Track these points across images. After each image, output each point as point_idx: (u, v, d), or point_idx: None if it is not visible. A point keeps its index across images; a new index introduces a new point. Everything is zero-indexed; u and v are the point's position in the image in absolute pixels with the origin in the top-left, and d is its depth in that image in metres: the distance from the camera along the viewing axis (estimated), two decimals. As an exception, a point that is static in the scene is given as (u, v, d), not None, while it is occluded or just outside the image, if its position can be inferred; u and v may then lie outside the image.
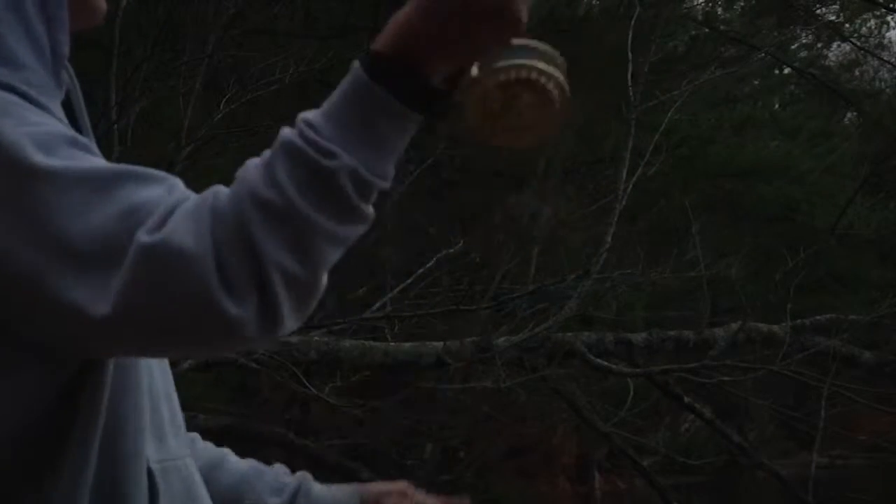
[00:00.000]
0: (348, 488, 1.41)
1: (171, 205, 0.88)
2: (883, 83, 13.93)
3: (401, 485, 1.46)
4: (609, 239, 5.57)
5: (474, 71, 0.94)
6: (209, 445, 1.34)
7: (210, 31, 6.08)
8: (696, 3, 11.14)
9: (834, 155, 12.22)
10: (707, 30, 10.51)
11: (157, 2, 6.28)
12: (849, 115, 14.21)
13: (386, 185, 0.92)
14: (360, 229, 0.92)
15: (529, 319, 5.60)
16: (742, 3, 11.98)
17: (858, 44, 12.26)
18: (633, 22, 6.05)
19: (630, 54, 6.03)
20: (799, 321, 6.23)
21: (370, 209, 0.92)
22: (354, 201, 0.89)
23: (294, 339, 4.91)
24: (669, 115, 6.54)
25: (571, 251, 7.19)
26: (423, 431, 8.00)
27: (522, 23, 0.92)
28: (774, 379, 6.24)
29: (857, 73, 14.40)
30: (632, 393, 6.11)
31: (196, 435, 1.32)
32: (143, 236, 0.86)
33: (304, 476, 1.35)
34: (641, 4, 6.47)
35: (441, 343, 5.20)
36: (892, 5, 10.40)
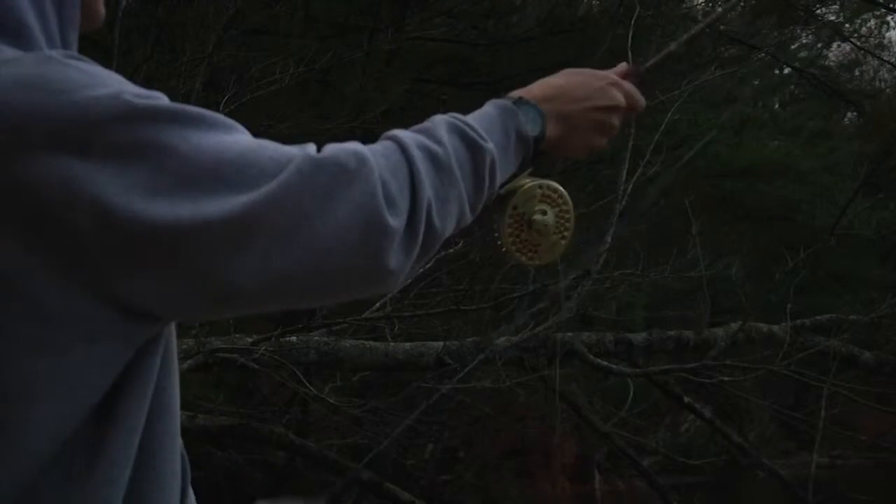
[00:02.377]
0: None
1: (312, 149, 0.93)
2: (883, 83, 13.94)
3: None
4: (609, 239, 5.56)
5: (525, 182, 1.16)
6: None
7: (210, 31, 6.08)
8: (696, 3, 11.15)
9: (834, 155, 12.23)
10: (707, 30, 10.50)
11: (157, 2, 6.28)
12: (849, 115, 14.22)
13: (495, 190, 1.07)
14: (478, 207, 1.04)
15: (529, 319, 5.60)
16: (742, 3, 11.98)
17: (858, 44, 12.27)
18: (633, 22, 6.05)
19: (630, 54, 6.03)
20: (799, 321, 6.23)
21: (489, 196, 1.05)
22: (486, 183, 1.04)
23: (294, 339, 4.91)
24: (669, 115, 6.53)
25: (571, 251, 7.19)
26: (423, 431, 7.99)
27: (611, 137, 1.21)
28: (774, 379, 6.24)
29: (857, 73, 14.42)
30: (632, 393, 6.11)
31: None
32: (309, 151, 0.91)
33: None
34: (641, 4, 6.47)
35: (441, 343, 5.20)
36: (892, 5, 10.40)
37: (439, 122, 1.03)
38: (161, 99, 0.89)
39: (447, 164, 0.99)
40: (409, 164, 0.95)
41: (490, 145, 1.03)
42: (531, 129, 1.11)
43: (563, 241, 1.20)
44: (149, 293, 0.87)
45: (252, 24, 6.85)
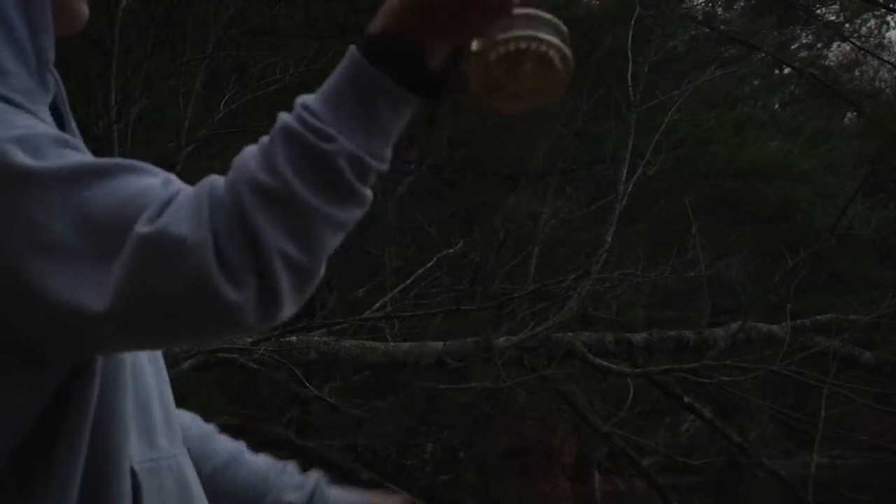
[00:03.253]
0: (357, 494, 1.40)
1: (167, 195, 0.88)
2: (883, 83, 13.94)
3: (404, 498, 1.47)
4: (609, 239, 5.57)
5: (475, 45, 0.94)
6: (225, 440, 1.34)
7: (210, 31, 6.07)
8: (696, 3, 11.15)
9: (834, 155, 12.22)
10: (707, 30, 10.51)
11: (157, 2, 6.28)
12: (849, 115, 14.22)
13: (384, 167, 0.91)
14: (359, 213, 0.91)
15: (529, 319, 5.60)
16: (742, 3, 11.99)
17: (858, 44, 12.26)
18: (633, 22, 6.05)
19: (630, 54, 6.03)
20: (799, 321, 6.23)
21: (368, 192, 0.91)
22: (353, 184, 0.89)
23: (294, 339, 4.91)
24: (669, 115, 6.53)
25: (571, 251, 7.19)
26: (423, 431, 7.99)
27: (512, 2, 0.92)
28: (774, 379, 6.25)
29: (857, 73, 14.41)
30: (632, 393, 6.11)
31: (212, 429, 1.33)
32: (141, 227, 0.85)
33: (319, 477, 1.35)
34: (641, 4, 6.47)
35: (441, 343, 5.20)
36: (892, 5, 10.40)
37: (277, 138, 0.89)
38: (61, 157, 0.91)
39: (290, 197, 0.86)
40: (243, 220, 0.86)
41: (340, 143, 0.88)
42: (399, 74, 0.91)
43: (547, 93, 0.97)
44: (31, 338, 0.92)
45: (252, 24, 6.84)
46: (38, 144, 0.90)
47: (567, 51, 0.95)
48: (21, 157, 0.88)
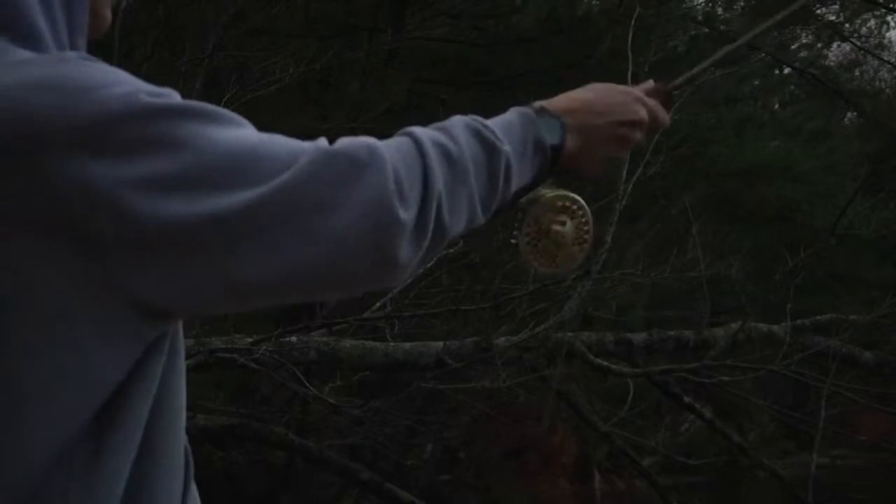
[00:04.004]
0: None
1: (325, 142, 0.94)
2: (883, 83, 13.94)
3: None
4: (609, 239, 5.57)
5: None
6: None
7: (210, 31, 6.08)
8: (696, 3, 11.15)
9: (834, 155, 12.21)
10: (707, 30, 10.51)
11: (157, 2, 6.28)
12: (849, 115, 14.22)
13: (510, 193, 1.07)
14: (488, 213, 1.04)
15: (529, 319, 5.60)
16: (742, 3, 11.99)
17: (858, 44, 12.27)
18: (633, 22, 6.05)
19: (630, 54, 6.03)
20: (799, 321, 6.23)
21: (498, 205, 1.05)
22: (500, 184, 1.04)
23: (294, 339, 4.91)
24: (669, 115, 6.52)
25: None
26: (423, 431, 7.99)
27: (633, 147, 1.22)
28: (774, 379, 6.24)
29: (857, 73, 14.42)
30: (632, 393, 6.11)
31: None
32: (322, 144, 0.91)
33: None
34: (641, 4, 6.47)
35: (441, 343, 5.20)
36: (892, 5, 10.40)
37: (457, 121, 1.04)
38: (174, 97, 0.90)
39: (461, 161, 0.99)
40: (422, 159, 0.95)
41: (506, 147, 1.04)
42: (550, 139, 1.11)
43: (580, 252, 1.21)
44: (165, 289, 0.88)
45: (252, 24, 6.85)
46: (163, 91, 0.91)
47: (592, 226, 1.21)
48: (157, 100, 0.88)
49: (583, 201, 1.20)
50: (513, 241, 1.19)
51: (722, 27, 10.81)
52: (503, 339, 5.36)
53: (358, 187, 0.89)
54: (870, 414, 6.97)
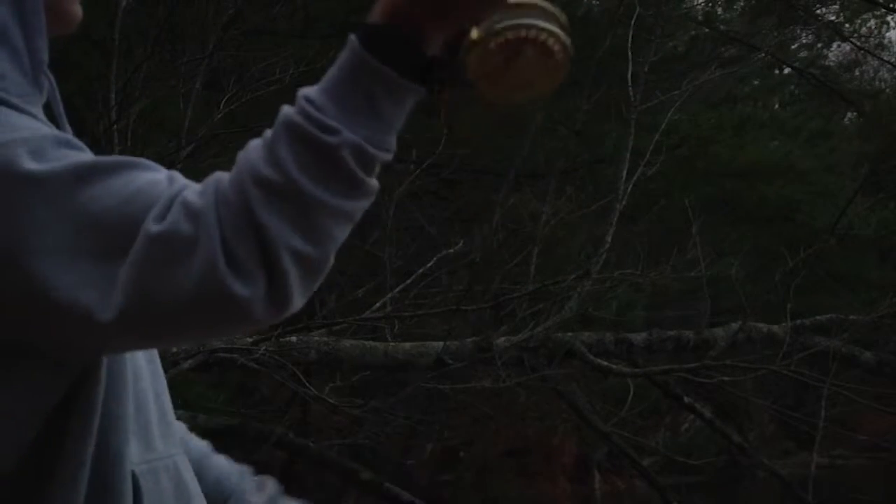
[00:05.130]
0: None
1: (173, 192, 0.89)
2: (883, 83, 13.94)
3: None
4: (609, 239, 5.57)
5: (474, 33, 0.94)
6: (195, 440, 1.35)
7: (210, 31, 6.07)
8: (696, 3, 11.14)
9: (834, 155, 12.21)
10: (707, 30, 10.51)
11: (157, 2, 6.28)
12: (849, 115, 14.21)
13: (388, 157, 0.92)
14: (366, 203, 0.92)
15: (529, 319, 5.60)
16: (742, 3, 11.98)
17: (858, 44, 12.26)
18: (633, 22, 6.06)
19: (630, 54, 6.03)
20: (799, 321, 6.22)
21: (374, 182, 0.92)
22: (358, 175, 0.90)
23: (294, 339, 4.91)
24: (669, 115, 6.53)
25: (571, 251, 7.19)
26: (423, 431, 7.99)
27: None
28: (774, 379, 6.25)
29: (857, 73, 14.42)
30: (632, 393, 6.11)
31: (184, 428, 1.33)
32: (150, 226, 0.86)
33: (276, 486, 1.35)
34: (641, 4, 6.47)
35: (441, 343, 5.20)
36: (892, 5, 10.40)
37: (280, 128, 0.90)
38: (64, 158, 0.91)
39: (292, 189, 0.87)
40: (250, 216, 0.86)
41: (344, 134, 0.88)
42: (401, 63, 0.91)
43: (544, 81, 0.97)
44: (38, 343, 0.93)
45: (252, 24, 6.84)
46: (41, 146, 0.90)
47: (566, 40, 0.94)
48: (25, 161, 0.89)
49: (540, 21, 0.93)
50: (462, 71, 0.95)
51: (722, 27, 10.81)
52: (503, 339, 5.36)
53: (187, 276, 0.86)
54: (870, 414, 6.97)
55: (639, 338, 5.93)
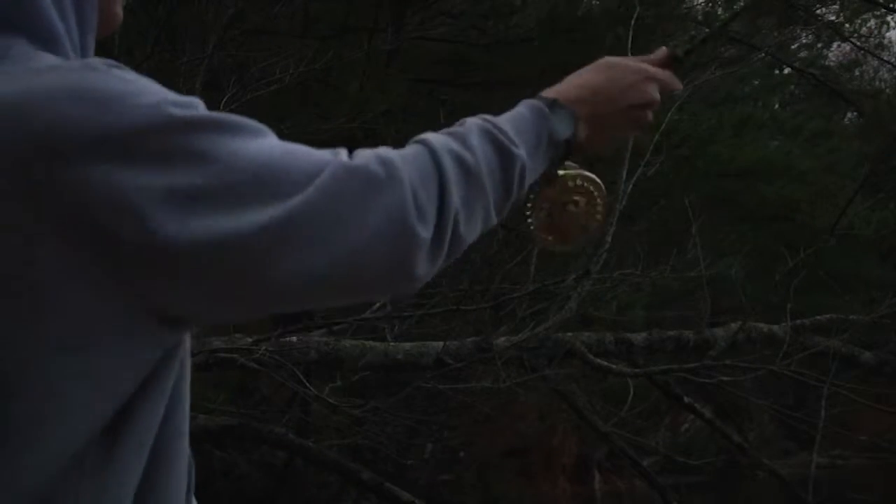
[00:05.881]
0: None
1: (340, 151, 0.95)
2: (883, 83, 13.95)
3: None
4: (609, 239, 5.56)
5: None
6: None
7: (210, 31, 6.08)
8: (696, 3, 11.15)
9: (834, 155, 12.23)
10: (707, 29, 10.51)
11: (157, 2, 6.28)
12: (849, 115, 14.23)
13: (522, 195, 1.08)
14: (501, 216, 1.05)
15: (529, 319, 5.60)
16: (742, 3, 11.98)
17: (858, 44, 12.28)
18: (633, 22, 6.05)
19: (630, 54, 6.02)
20: (799, 321, 6.22)
21: (509, 207, 1.06)
22: (515, 189, 1.05)
23: (294, 339, 4.91)
24: (669, 115, 6.53)
25: (571, 251, 7.18)
26: (423, 431, 7.99)
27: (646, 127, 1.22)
28: (774, 379, 6.24)
29: (857, 73, 14.43)
30: (632, 393, 6.11)
31: None
32: (342, 157, 0.92)
33: None
34: (641, 4, 6.47)
35: (441, 343, 5.20)
36: (892, 5, 10.40)
37: (471, 126, 1.04)
38: (199, 108, 0.91)
39: (477, 172, 1.00)
40: (439, 173, 0.96)
41: (521, 151, 1.05)
42: (563, 132, 1.12)
43: (594, 228, 1.23)
44: (186, 299, 0.90)
45: (252, 24, 6.85)
46: (189, 102, 0.91)
47: (605, 204, 1.23)
48: (182, 111, 0.88)
49: (595, 178, 1.20)
50: (528, 220, 1.20)
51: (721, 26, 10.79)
52: (503, 339, 5.36)
53: (377, 205, 0.91)
54: (870, 414, 6.97)
55: (639, 338, 5.93)
